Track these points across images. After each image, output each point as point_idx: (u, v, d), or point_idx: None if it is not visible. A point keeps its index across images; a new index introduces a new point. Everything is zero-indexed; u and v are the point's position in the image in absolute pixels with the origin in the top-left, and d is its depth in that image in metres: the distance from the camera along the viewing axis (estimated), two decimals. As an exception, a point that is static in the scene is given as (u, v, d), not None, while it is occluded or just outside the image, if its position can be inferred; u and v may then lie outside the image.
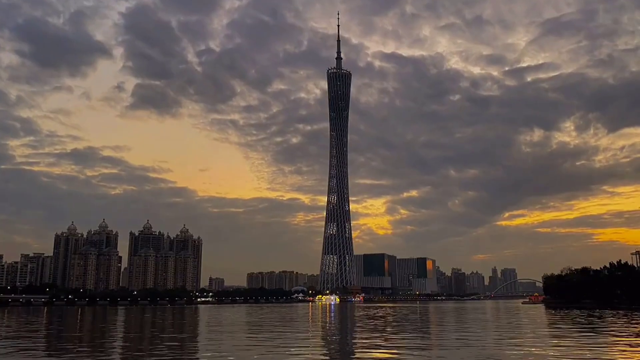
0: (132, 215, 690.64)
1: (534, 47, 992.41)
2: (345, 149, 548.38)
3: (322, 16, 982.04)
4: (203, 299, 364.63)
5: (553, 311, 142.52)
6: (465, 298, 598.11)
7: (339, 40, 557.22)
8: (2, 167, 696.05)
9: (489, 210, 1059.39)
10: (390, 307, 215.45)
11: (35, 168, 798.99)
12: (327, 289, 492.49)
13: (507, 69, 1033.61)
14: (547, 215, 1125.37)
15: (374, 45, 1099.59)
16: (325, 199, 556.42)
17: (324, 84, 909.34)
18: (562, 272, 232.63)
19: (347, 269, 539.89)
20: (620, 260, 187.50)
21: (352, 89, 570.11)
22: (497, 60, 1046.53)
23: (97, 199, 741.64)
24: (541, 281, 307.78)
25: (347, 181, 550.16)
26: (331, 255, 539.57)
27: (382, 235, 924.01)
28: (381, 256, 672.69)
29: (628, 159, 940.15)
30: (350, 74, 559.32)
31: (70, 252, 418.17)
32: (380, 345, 51.34)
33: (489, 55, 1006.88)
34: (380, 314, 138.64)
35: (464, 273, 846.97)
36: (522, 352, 44.65)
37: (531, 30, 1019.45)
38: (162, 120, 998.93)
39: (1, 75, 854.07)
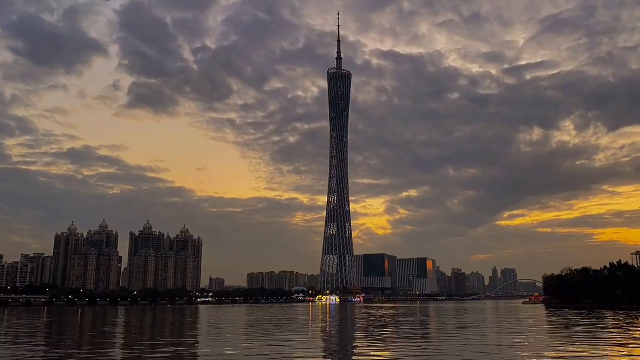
0: (131, 215, 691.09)
1: (533, 44, 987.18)
2: (345, 149, 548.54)
3: (318, 13, 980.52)
4: (203, 299, 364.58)
5: (553, 311, 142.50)
6: (465, 298, 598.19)
7: (339, 40, 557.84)
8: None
9: (489, 209, 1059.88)
10: (390, 308, 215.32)
11: (32, 167, 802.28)
12: (327, 289, 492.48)
13: (505, 66, 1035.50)
14: (547, 215, 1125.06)
15: (371, 43, 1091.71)
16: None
17: (321, 82, 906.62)
18: (562, 272, 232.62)
19: (347, 269, 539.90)
20: (620, 260, 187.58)
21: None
22: (496, 58, 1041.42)
23: (95, 198, 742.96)
24: (541, 281, 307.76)
25: (347, 181, 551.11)
26: (331, 255, 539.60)
27: (381, 235, 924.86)
28: (381, 256, 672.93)
29: (628, 158, 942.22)
30: (350, 74, 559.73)
31: (70, 252, 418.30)
32: (380, 345, 51.36)
33: (487, 53, 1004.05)
34: (380, 314, 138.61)
35: (464, 273, 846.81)
36: (522, 352, 44.65)
37: (530, 27, 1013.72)
38: (158, 119, 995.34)
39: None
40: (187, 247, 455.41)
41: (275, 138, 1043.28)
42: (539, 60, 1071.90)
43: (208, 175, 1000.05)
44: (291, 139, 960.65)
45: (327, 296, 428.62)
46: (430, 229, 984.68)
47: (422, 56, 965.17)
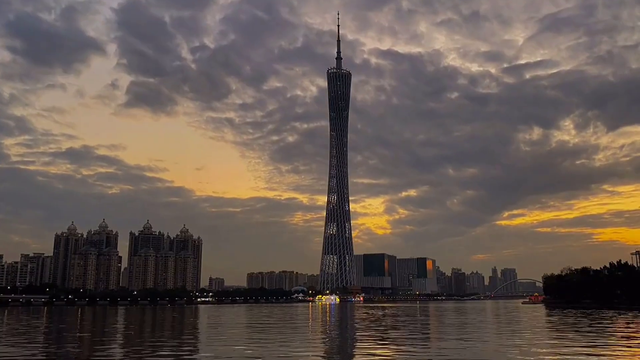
0: (130, 215, 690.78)
1: (533, 43, 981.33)
2: (345, 149, 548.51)
3: (317, 12, 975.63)
4: (203, 299, 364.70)
5: (553, 311, 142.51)
6: (465, 298, 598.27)
7: (339, 40, 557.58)
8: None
9: (488, 209, 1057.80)
10: (390, 308, 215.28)
11: (31, 167, 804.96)
12: (327, 289, 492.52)
13: (505, 66, 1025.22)
14: (547, 215, 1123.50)
15: (370, 42, 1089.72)
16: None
17: (320, 82, 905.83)
18: (562, 272, 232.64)
19: (347, 269, 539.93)
20: (620, 260, 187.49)
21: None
22: (495, 57, 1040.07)
23: (94, 198, 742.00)
24: (541, 281, 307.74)
25: (347, 181, 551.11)
26: (331, 255, 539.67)
27: (380, 235, 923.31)
28: (381, 256, 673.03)
29: (628, 158, 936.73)
30: (350, 74, 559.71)
31: (70, 252, 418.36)
32: (380, 345, 51.36)
33: (486, 52, 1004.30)
34: (381, 314, 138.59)
35: (464, 273, 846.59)
36: (522, 352, 44.65)
37: (529, 26, 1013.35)
38: (156, 118, 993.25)
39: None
40: (187, 247, 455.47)
41: (274, 138, 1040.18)
42: (539, 59, 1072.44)
43: (207, 175, 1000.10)
44: (290, 139, 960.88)
45: (327, 296, 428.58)
46: (429, 229, 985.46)
47: (422, 55, 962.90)
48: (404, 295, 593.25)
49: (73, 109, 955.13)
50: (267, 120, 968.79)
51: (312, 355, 45.47)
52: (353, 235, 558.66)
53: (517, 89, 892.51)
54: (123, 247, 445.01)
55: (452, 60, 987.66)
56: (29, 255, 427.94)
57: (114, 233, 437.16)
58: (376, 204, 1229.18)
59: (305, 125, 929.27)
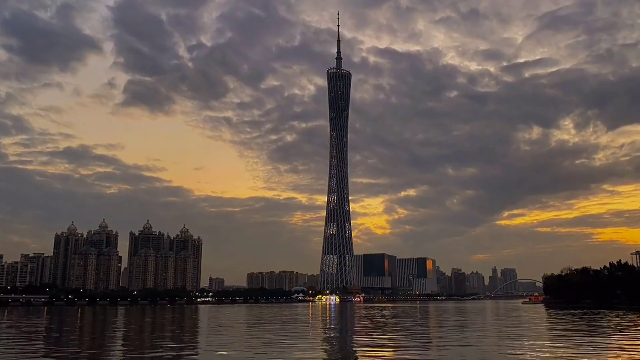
0: (129, 215, 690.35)
1: (532, 41, 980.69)
2: (345, 149, 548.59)
3: (314, 9, 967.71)
4: (203, 299, 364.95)
5: (553, 311, 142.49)
6: (465, 298, 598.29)
7: (339, 40, 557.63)
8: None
9: (488, 209, 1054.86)
10: (390, 308, 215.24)
11: (29, 167, 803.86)
12: (327, 289, 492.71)
13: (504, 64, 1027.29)
14: (547, 215, 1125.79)
15: (368, 40, 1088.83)
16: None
17: (318, 80, 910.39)
18: (562, 272, 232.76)
19: (347, 269, 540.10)
20: (620, 260, 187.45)
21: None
22: (494, 56, 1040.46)
23: (93, 198, 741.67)
24: (541, 281, 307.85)
25: (347, 181, 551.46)
26: (331, 255, 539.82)
27: (380, 234, 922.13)
28: (381, 256, 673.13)
29: (628, 157, 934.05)
30: (350, 74, 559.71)
31: (70, 252, 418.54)
32: (380, 345, 51.35)
33: (485, 51, 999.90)
34: (381, 314, 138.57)
35: (464, 273, 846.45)
36: (522, 352, 44.65)
37: (528, 24, 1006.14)
38: (154, 117, 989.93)
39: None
40: (187, 247, 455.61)
41: (273, 137, 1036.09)
42: (538, 57, 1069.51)
43: (206, 174, 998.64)
44: (289, 138, 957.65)
45: (327, 296, 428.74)
46: (429, 229, 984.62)
47: (420, 54, 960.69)
48: (404, 295, 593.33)
49: (70, 108, 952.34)
50: (265, 119, 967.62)
51: (313, 356, 45.46)
52: (352, 235, 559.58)
53: (516, 88, 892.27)
54: (123, 247, 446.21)
55: (451, 58, 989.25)
56: (29, 255, 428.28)
57: (114, 233, 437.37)
58: (375, 203, 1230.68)
59: (303, 125, 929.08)
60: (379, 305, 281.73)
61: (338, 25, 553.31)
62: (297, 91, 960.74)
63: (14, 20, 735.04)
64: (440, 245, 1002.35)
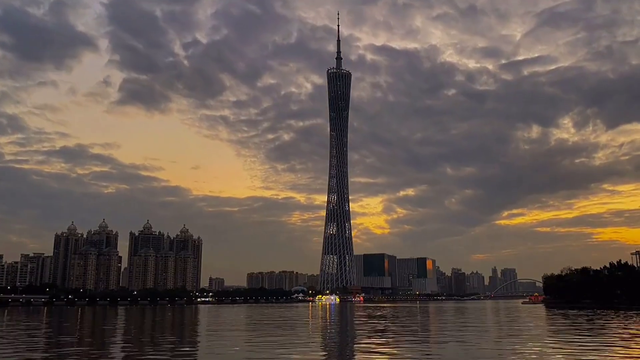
0: (128, 215, 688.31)
1: (530, 39, 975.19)
2: (345, 149, 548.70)
3: (310, 6, 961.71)
4: (203, 299, 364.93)
5: (553, 311, 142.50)
6: (465, 298, 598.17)
7: (339, 40, 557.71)
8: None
9: (487, 209, 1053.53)
10: (390, 308, 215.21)
11: (25, 166, 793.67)
12: (327, 289, 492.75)
13: (503, 62, 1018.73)
14: (547, 215, 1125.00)
15: (365, 37, 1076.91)
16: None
17: (315, 78, 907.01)
18: (562, 272, 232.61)
19: (347, 269, 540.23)
20: (620, 260, 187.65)
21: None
22: (493, 53, 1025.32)
23: (91, 197, 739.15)
24: (541, 281, 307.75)
25: (347, 181, 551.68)
26: (331, 255, 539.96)
27: (379, 234, 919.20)
28: (381, 256, 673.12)
29: (628, 157, 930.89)
30: (350, 74, 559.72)
31: (70, 252, 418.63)
32: (380, 345, 51.36)
33: (484, 48, 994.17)
34: (381, 314, 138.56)
35: (464, 273, 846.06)
36: (521, 352, 44.65)
37: (527, 21, 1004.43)
38: (150, 116, 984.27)
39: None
40: (187, 247, 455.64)
41: (270, 136, 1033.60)
42: (537, 55, 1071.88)
43: (203, 174, 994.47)
44: (286, 137, 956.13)
45: (327, 296, 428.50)
46: (428, 229, 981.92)
47: (418, 51, 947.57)
48: (404, 295, 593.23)
49: (65, 106, 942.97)
50: (262, 118, 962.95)
51: (313, 357, 45.45)
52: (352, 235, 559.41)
53: (515, 86, 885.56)
54: (123, 247, 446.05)
55: (449, 56, 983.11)
56: (29, 255, 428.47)
57: (114, 233, 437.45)
58: (374, 203, 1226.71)
59: (300, 123, 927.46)
60: (379, 305, 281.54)
61: (338, 25, 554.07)
62: (293, 89, 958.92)
63: (6, 17, 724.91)
64: (439, 245, 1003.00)
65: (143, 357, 44.12)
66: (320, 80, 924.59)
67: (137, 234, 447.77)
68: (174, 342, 58.89)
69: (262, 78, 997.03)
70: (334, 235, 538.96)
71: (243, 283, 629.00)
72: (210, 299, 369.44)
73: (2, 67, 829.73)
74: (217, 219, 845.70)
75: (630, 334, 61.87)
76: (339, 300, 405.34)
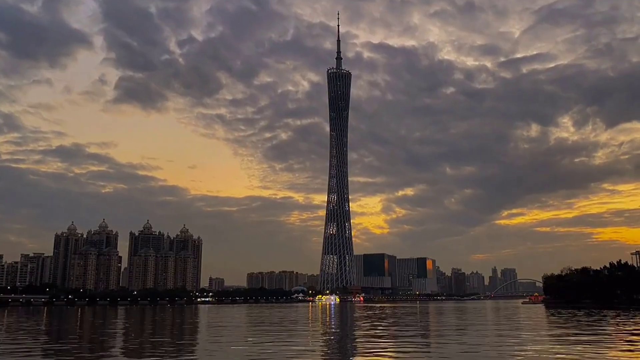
0: (126, 214, 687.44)
1: (529, 36, 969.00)
2: (345, 149, 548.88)
3: (306, 2, 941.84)
4: (203, 299, 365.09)
5: (553, 311, 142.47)
6: (465, 298, 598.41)
7: (339, 40, 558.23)
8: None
9: (487, 208, 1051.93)
10: (390, 308, 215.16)
11: (22, 165, 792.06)
12: (327, 289, 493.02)
13: (501, 60, 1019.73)
14: (546, 214, 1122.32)
15: (362, 35, 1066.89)
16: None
17: (312, 76, 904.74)
18: (562, 272, 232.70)
19: (347, 269, 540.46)
20: (620, 260, 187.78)
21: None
22: (491, 51, 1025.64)
23: (88, 197, 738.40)
24: (541, 281, 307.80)
25: (347, 181, 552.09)
26: (331, 255, 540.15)
27: (378, 234, 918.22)
28: (381, 256, 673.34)
29: (628, 156, 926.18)
30: (350, 74, 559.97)
31: (70, 252, 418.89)
32: (380, 345, 51.35)
33: (482, 45, 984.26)
34: (381, 314, 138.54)
35: (464, 273, 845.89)
36: (521, 352, 44.64)
37: (525, 17, 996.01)
38: (146, 114, 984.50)
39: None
40: (187, 247, 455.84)
41: (267, 135, 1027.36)
42: (535, 52, 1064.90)
43: (201, 173, 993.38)
44: (283, 136, 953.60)
45: (327, 296, 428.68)
46: (427, 229, 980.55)
47: (416, 49, 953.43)
48: (404, 295, 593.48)
49: (60, 105, 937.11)
50: (259, 116, 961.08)
51: (313, 357, 45.46)
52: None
53: (513, 84, 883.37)
54: (123, 247, 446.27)
55: (447, 53, 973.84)
56: (29, 255, 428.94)
57: (114, 233, 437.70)
58: (373, 203, 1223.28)
59: (298, 122, 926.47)
60: (379, 305, 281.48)
61: (338, 25, 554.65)
62: (290, 87, 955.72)
63: (0, 14, 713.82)
64: (439, 245, 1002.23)
65: (143, 357, 44.12)
66: (317, 78, 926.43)
67: (137, 234, 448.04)
68: (173, 342, 58.89)
69: (259, 76, 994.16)
70: (334, 235, 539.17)
71: (243, 283, 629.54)
72: (210, 299, 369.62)
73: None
74: (215, 218, 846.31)
75: (629, 333, 61.86)
76: (339, 300, 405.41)
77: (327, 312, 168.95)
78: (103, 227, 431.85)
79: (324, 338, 64.46)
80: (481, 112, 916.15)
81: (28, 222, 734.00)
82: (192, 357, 45.14)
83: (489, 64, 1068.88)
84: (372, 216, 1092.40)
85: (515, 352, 44.37)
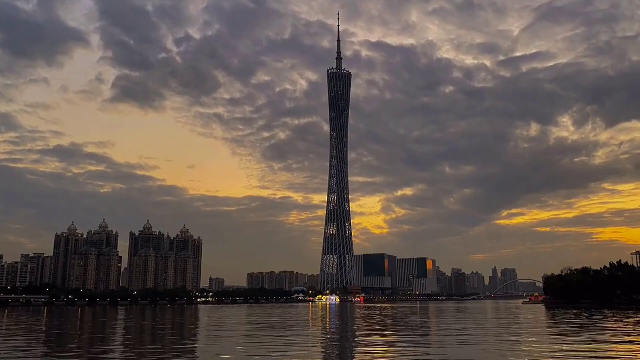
0: (124, 214, 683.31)
1: (528, 34, 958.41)
2: (345, 148, 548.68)
3: (303, 0, 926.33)
4: (203, 299, 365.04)
5: (553, 311, 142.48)
6: (465, 298, 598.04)
7: (338, 40, 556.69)
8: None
9: (487, 208, 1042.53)
10: (390, 308, 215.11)
11: (20, 165, 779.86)
12: (327, 289, 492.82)
13: (500, 58, 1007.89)
14: (546, 214, 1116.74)
15: (360, 33, 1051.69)
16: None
17: (309, 75, 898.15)
18: (562, 272, 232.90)
19: (347, 269, 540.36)
20: (620, 260, 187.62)
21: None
22: (490, 49, 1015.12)
23: (87, 197, 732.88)
24: (541, 281, 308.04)
25: (347, 181, 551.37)
26: (331, 255, 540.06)
27: (378, 234, 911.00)
28: (381, 256, 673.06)
29: (628, 155, 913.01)
30: (350, 74, 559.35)
31: (70, 252, 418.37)
32: (380, 345, 51.36)
33: (481, 44, 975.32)
34: (381, 314, 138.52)
35: (464, 273, 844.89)
36: (521, 351, 44.66)
37: (524, 15, 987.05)
38: (144, 113, 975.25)
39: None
40: (187, 247, 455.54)
41: (265, 134, 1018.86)
42: (535, 51, 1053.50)
43: (199, 172, 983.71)
44: (282, 135, 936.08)
45: (327, 296, 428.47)
46: (427, 228, 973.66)
47: (414, 47, 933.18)
48: (404, 295, 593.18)
49: (57, 104, 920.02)
50: (257, 115, 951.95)
51: (313, 357, 45.45)
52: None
53: (513, 83, 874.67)
54: (123, 247, 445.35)
55: (446, 52, 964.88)
56: (29, 255, 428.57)
57: (114, 233, 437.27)
58: (372, 202, 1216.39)
59: (296, 121, 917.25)
60: (379, 305, 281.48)
61: (338, 25, 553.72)
62: (288, 86, 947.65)
63: None
64: (438, 245, 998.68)
65: (143, 358, 44.14)
66: (315, 76, 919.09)
67: (137, 234, 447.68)
68: (174, 342, 58.89)
69: (256, 74, 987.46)
70: (334, 235, 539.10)
71: (243, 283, 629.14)
72: (210, 299, 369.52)
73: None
74: (214, 218, 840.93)
75: (629, 333, 61.87)
76: (339, 300, 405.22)
77: (327, 311, 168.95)
78: (103, 227, 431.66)
79: (324, 338, 64.43)
80: (480, 111, 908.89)
81: (27, 222, 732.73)
82: (192, 357, 45.16)
83: (488, 63, 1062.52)
84: (371, 216, 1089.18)
85: (516, 352, 44.39)
